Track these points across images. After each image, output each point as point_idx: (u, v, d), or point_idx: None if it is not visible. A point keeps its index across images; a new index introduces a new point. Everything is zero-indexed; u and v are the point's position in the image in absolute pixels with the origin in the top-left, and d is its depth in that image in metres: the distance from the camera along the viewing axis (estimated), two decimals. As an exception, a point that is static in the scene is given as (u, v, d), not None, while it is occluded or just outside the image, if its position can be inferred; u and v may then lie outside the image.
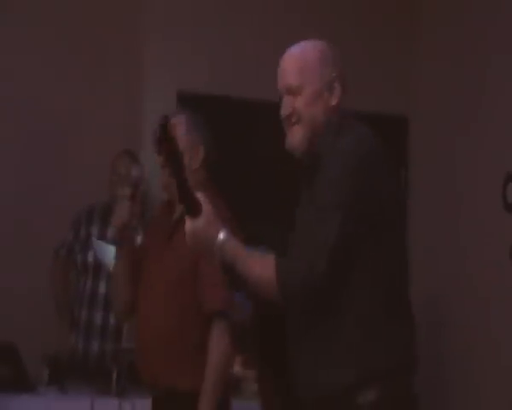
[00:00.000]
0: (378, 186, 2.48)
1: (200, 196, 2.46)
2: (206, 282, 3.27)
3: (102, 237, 4.77)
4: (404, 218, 2.62)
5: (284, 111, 2.56)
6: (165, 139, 2.35)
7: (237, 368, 4.34)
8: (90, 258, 4.81)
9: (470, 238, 5.16)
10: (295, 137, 2.58)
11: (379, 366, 2.45)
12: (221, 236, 2.47)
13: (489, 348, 4.93)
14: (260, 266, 2.45)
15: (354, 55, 5.18)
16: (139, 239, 3.58)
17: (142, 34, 5.50)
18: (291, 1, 5.73)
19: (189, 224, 2.49)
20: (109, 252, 4.44)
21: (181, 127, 3.42)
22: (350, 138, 2.51)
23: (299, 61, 2.59)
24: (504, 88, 4.77)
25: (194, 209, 2.47)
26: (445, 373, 5.12)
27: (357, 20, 5.76)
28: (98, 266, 4.74)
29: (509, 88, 4.68)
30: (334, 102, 2.59)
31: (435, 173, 5.37)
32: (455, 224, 5.09)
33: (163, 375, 3.34)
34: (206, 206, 2.48)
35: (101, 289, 4.80)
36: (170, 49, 5.46)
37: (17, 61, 5.42)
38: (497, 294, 4.81)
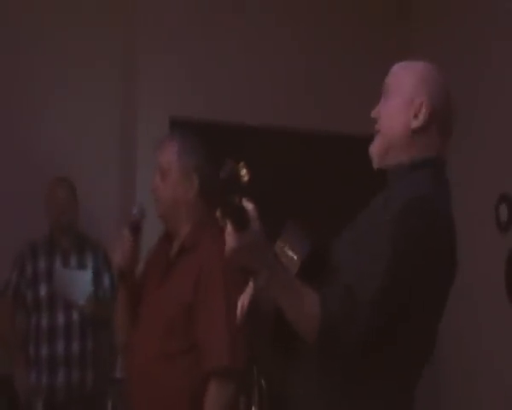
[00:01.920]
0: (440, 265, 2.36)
1: (247, 204, 2.23)
2: (204, 329, 3.23)
3: (65, 266, 4.80)
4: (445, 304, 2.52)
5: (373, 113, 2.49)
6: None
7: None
8: (42, 292, 4.74)
9: (464, 256, 5.14)
10: (373, 145, 2.49)
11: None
12: (272, 255, 2.30)
13: (484, 366, 4.94)
14: (304, 304, 2.26)
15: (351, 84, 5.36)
16: (138, 270, 3.53)
17: (136, 61, 5.54)
18: (283, 31, 5.70)
19: (235, 237, 2.23)
20: (82, 278, 4.67)
21: (172, 155, 3.41)
22: (443, 198, 2.40)
23: (402, 72, 2.49)
24: (497, 111, 4.79)
25: (241, 221, 2.22)
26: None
27: (356, 47, 5.78)
28: (51, 298, 4.72)
29: (501, 111, 4.69)
30: (415, 124, 2.38)
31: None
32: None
33: None
34: (254, 218, 2.25)
35: (60, 320, 4.73)
36: (162, 76, 5.46)
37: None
38: (491, 309, 4.84)
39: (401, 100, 2.40)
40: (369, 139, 2.47)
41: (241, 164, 2.32)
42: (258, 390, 4.40)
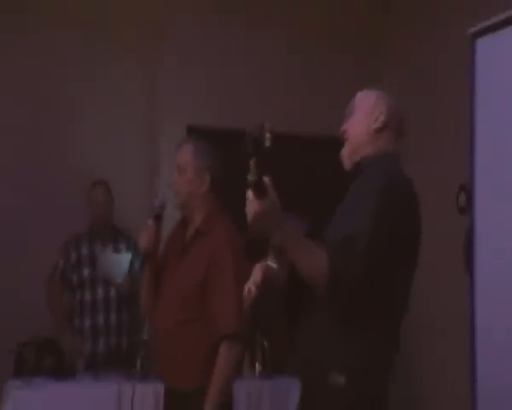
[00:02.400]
0: (406, 217, 2.49)
1: (266, 179, 2.29)
2: (219, 301, 3.23)
3: (104, 253, 4.84)
4: (417, 257, 2.59)
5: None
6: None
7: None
8: (86, 273, 4.79)
9: (431, 233, 5.16)
10: (344, 149, 2.65)
11: (353, 359, 2.43)
12: (284, 220, 2.33)
13: (444, 324, 4.96)
14: (313, 256, 2.33)
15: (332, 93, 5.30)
16: (159, 252, 3.54)
17: (158, 80, 5.53)
18: (289, 48, 5.72)
19: (256, 203, 2.30)
20: (118, 262, 4.65)
21: (188, 155, 3.41)
22: (393, 168, 2.58)
23: (364, 96, 2.70)
24: (455, 117, 4.76)
25: (261, 191, 2.28)
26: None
27: (335, 63, 5.77)
28: (93, 278, 4.77)
29: (458, 117, 4.61)
30: (376, 125, 2.62)
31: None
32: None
33: (171, 374, 3.34)
34: (272, 191, 2.33)
35: (100, 296, 4.79)
36: (180, 92, 5.46)
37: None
38: (452, 275, 4.84)
39: (364, 113, 2.64)
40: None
41: (268, 127, 2.35)
42: (261, 350, 4.40)
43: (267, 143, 2.35)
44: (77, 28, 5.43)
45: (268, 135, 2.35)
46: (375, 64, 5.88)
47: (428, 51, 5.35)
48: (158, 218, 3.43)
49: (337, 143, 2.68)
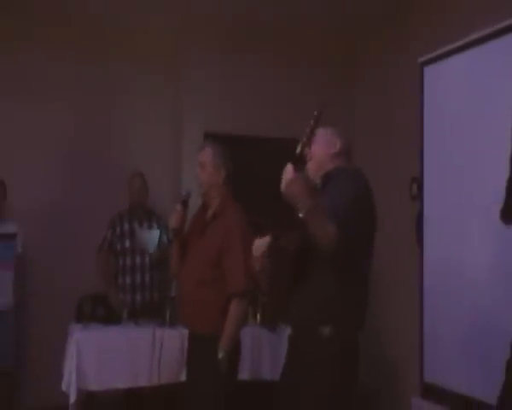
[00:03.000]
0: (368, 206, 2.55)
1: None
2: (230, 267, 3.20)
3: (141, 228, 4.81)
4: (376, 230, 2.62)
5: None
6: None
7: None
8: (127, 244, 4.78)
9: (389, 217, 4.71)
10: (309, 166, 2.67)
11: (337, 314, 2.47)
12: (312, 194, 2.31)
13: (401, 288, 4.96)
14: (327, 224, 2.28)
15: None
16: (185, 229, 3.51)
17: (182, 96, 5.51)
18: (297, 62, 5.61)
19: (293, 173, 2.30)
20: (151, 236, 4.69)
21: (208, 155, 3.39)
22: (353, 172, 2.62)
23: (324, 131, 2.72)
24: (409, 125, 4.65)
25: (300, 165, 2.28)
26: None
27: (316, 84, 5.60)
28: (132, 247, 4.76)
29: (411, 125, 4.50)
30: (334, 150, 2.68)
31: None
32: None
33: (193, 323, 3.32)
34: (307, 169, 2.40)
35: (138, 261, 4.76)
36: (199, 104, 5.41)
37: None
38: (406, 250, 4.82)
39: (326, 142, 2.72)
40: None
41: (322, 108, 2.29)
42: (261, 304, 4.43)
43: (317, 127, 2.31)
44: (121, 58, 5.48)
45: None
46: (350, 82, 5.79)
47: (389, 74, 5.31)
48: (184, 203, 3.41)
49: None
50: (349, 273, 2.49)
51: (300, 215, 2.25)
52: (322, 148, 2.71)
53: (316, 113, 2.34)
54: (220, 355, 3.15)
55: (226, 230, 3.26)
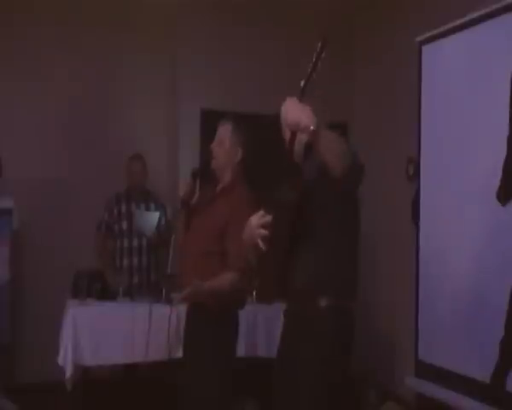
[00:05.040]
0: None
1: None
2: (230, 242, 3.17)
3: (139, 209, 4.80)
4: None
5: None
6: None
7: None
8: (124, 226, 4.78)
9: (387, 196, 5.17)
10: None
11: (333, 285, 2.47)
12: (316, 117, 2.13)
13: (397, 265, 4.96)
14: (341, 143, 2.22)
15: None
16: (193, 200, 3.49)
17: (177, 69, 5.50)
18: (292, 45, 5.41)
19: (295, 99, 2.15)
20: (149, 219, 4.69)
21: (228, 131, 3.29)
22: None
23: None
24: (407, 106, 4.62)
25: (303, 93, 2.15)
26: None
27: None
28: (130, 229, 4.76)
29: (409, 106, 4.48)
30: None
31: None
32: (372, 189, 4.48)
33: None
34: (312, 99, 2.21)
35: (135, 243, 4.78)
36: (196, 81, 5.40)
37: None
38: (402, 228, 4.84)
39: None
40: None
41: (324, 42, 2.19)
42: (257, 285, 4.49)
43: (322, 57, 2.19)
44: (119, 35, 5.46)
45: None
46: (349, 61, 5.76)
47: (389, 54, 5.29)
48: (194, 176, 3.42)
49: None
50: (347, 236, 2.49)
51: (311, 128, 2.08)
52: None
53: (319, 45, 2.18)
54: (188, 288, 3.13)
55: (232, 206, 3.24)
